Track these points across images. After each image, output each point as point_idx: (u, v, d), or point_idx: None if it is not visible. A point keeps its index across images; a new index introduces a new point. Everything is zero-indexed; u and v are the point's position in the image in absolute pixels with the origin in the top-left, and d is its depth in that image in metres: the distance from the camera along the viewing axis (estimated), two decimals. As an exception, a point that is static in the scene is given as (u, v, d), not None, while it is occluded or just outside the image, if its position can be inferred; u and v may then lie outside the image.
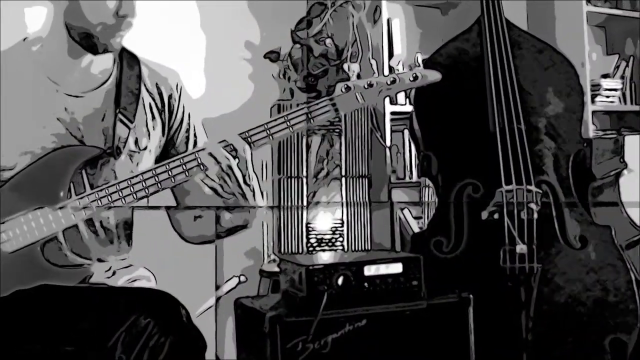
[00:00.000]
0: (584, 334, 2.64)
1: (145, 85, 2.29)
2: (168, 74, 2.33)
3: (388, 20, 3.43)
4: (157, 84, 2.30)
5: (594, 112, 3.85)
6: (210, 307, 2.59)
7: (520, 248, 2.59)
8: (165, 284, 2.24)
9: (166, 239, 2.41)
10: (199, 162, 2.12)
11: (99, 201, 2.13)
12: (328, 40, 3.15)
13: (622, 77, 3.99)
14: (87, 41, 2.14)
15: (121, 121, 2.21)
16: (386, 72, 3.34)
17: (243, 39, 2.85)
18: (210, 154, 2.10)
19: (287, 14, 2.94)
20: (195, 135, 2.34)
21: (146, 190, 2.14)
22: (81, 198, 2.13)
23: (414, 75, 2.17)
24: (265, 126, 2.12)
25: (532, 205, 2.63)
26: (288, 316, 2.23)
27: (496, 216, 2.65)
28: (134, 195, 2.13)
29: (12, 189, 2.13)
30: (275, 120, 2.13)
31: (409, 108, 3.15)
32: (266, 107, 2.86)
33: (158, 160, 2.30)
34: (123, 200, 2.13)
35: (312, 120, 2.17)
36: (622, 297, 2.64)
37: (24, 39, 2.23)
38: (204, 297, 2.58)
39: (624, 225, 2.90)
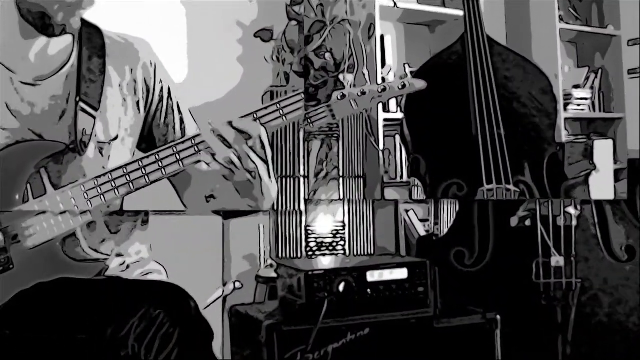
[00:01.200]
0: None
1: (111, 62, 2.04)
2: (138, 45, 2.09)
3: (382, 37, 3.54)
4: (126, 59, 2.05)
5: (566, 119, 3.97)
6: (218, 298, 2.51)
7: (556, 261, 2.32)
8: (175, 277, 2.19)
9: (177, 235, 2.39)
10: (197, 149, 1.93)
11: (60, 204, 1.99)
12: (327, 55, 3.18)
13: (592, 88, 4.14)
14: (41, 21, 1.89)
15: (83, 110, 1.99)
16: (379, 81, 3.40)
17: (231, 16, 2.46)
18: (220, 137, 1.90)
19: None
20: (180, 113, 2.14)
21: (130, 185, 1.97)
22: (39, 202, 1.97)
23: (402, 84, 2.17)
24: (255, 115, 1.95)
25: (571, 210, 2.34)
26: (286, 325, 2.12)
27: (528, 223, 2.41)
28: (116, 190, 1.98)
29: None
30: (267, 108, 1.98)
31: (400, 115, 3.25)
32: (257, 95, 2.59)
33: (140, 147, 2.14)
34: (116, 191, 1.97)
35: (312, 125, 2.12)
36: None
37: None
38: (212, 290, 2.49)
39: None
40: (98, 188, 1.96)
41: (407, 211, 3.00)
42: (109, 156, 2.07)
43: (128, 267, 2.23)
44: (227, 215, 2.50)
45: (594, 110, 4.14)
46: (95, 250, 2.14)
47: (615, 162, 3.22)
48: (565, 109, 3.98)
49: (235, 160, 1.92)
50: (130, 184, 1.95)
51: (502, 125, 2.79)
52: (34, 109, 1.97)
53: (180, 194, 2.21)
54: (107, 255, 2.16)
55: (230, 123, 1.92)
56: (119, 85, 2.05)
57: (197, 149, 1.94)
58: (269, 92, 2.73)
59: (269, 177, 1.99)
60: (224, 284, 2.52)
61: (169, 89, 2.14)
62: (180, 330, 1.98)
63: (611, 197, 2.92)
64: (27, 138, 1.96)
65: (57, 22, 1.88)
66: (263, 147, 1.94)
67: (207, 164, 1.94)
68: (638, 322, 2.30)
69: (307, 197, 2.98)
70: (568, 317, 2.31)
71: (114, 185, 1.96)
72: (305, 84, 2.85)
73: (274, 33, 2.66)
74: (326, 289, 2.17)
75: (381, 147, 3.39)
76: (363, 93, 2.17)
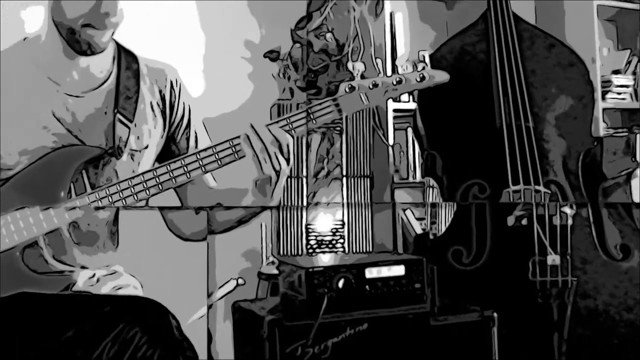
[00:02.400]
0: (627, 359, 2.47)
1: (144, 83, 2.33)
2: (167, 70, 2.39)
3: (391, 15, 3.45)
4: (156, 81, 2.35)
5: (604, 110, 3.82)
6: (202, 316, 2.54)
7: (552, 259, 2.45)
8: (153, 291, 2.24)
9: (154, 243, 2.43)
10: (234, 150, 2.20)
11: (99, 201, 2.16)
12: (328, 35, 3.15)
13: (634, 73, 3.95)
14: (72, 39, 2.18)
15: (120, 121, 2.25)
16: (389, 68, 3.36)
17: (243, 38, 2.88)
18: (257, 133, 2.17)
19: (287, 13, 2.98)
20: (195, 132, 2.41)
21: (147, 191, 2.20)
22: (81, 198, 2.17)
23: (421, 76, 2.18)
24: (288, 121, 2.21)
25: (567, 210, 2.50)
26: (287, 320, 2.22)
27: (524, 222, 2.53)
28: (135, 196, 2.18)
29: (12, 188, 2.15)
30: (277, 122, 2.21)
31: (412, 105, 3.18)
32: (266, 107, 2.90)
33: (159, 157, 2.37)
34: (123, 201, 2.17)
35: (314, 121, 2.21)
36: None
37: (24, 39, 2.28)
38: (196, 306, 2.53)
39: None
40: (132, 188, 2.18)
41: (404, 210, 3.13)
42: (139, 162, 2.30)
43: (98, 280, 2.26)
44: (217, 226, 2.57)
45: (637, 100, 3.95)
46: (61, 262, 2.20)
47: (663, 158, 3.10)
48: (603, 98, 3.83)
49: (266, 157, 2.17)
50: (173, 180, 2.22)
51: (531, 117, 2.74)
52: (77, 117, 2.23)
53: (182, 199, 2.41)
54: (72, 267, 2.21)
55: (267, 127, 2.19)
56: (150, 103, 2.33)
57: (234, 149, 2.20)
58: (276, 104, 2.99)
59: (278, 182, 2.23)
60: (209, 297, 2.65)
61: (189, 107, 2.42)
62: (160, 352, 1.99)
63: (656, 199, 2.95)
64: (71, 143, 2.21)
65: (82, 39, 2.18)
66: (288, 152, 2.20)
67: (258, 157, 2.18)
68: (633, 320, 2.45)
69: (306, 201, 3.08)
70: (564, 315, 2.42)
71: (145, 186, 2.19)
72: (302, 65, 3.07)
73: (280, 53, 2.98)
74: (326, 285, 2.27)
75: (391, 142, 3.33)
76: (375, 85, 2.18)
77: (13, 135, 2.17)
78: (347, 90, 2.18)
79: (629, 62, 3.96)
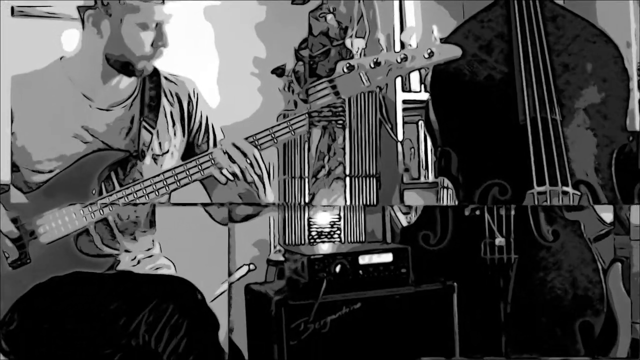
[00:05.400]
0: (557, 318, 2.89)
1: (165, 95, 2.70)
2: (186, 83, 2.75)
3: None
4: (176, 93, 2.71)
5: None
6: (223, 292, 2.90)
7: (499, 241, 2.88)
8: (183, 271, 2.74)
9: (185, 232, 2.86)
10: (214, 162, 2.51)
11: (125, 197, 2.53)
12: (330, 16, 3.05)
13: None
14: (125, 68, 2.57)
15: (145, 128, 2.62)
16: (398, 48, 3.24)
17: (252, 57, 3.19)
18: (227, 153, 2.51)
19: (290, 35, 3.21)
20: (214, 135, 2.76)
21: (167, 187, 2.55)
22: (110, 195, 2.55)
23: (430, 51, 2.13)
24: (254, 138, 2.52)
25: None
26: (292, 300, 2.65)
27: (477, 212, 2.91)
28: (156, 192, 2.54)
29: (50, 188, 2.55)
30: (279, 125, 2.50)
31: (424, 96, 3.09)
32: (273, 116, 3.12)
33: (183, 159, 2.72)
34: (147, 197, 2.54)
35: (309, 106, 2.32)
36: (590, 285, 2.89)
37: (61, 58, 2.64)
38: (218, 284, 2.93)
39: (593, 221, 3.07)
40: (153, 185, 2.53)
41: (391, 206, 3.27)
42: (161, 165, 2.65)
43: (139, 262, 2.67)
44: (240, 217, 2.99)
45: None
46: (108, 246, 2.59)
47: None
48: None
49: (238, 172, 2.50)
50: (178, 182, 2.56)
51: (558, 109, 2.76)
52: (106, 127, 2.59)
53: (210, 193, 2.75)
54: (117, 250, 2.62)
55: (233, 144, 2.51)
56: (170, 112, 2.68)
57: (214, 162, 2.52)
58: (282, 114, 3.11)
59: (264, 187, 2.56)
60: (230, 275, 3.00)
61: (207, 116, 2.76)
62: (189, 321, 2.43)
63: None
64: (101, 148, 2.58)
65: (138, 69, 2.59)
66: (258, 163, 2.51)
67: (215, 177, 2.55)
68: (559, 286, 2.88)
69: (305, 203, 3.08)
70: (508, 284, 2.87)
71: (165, 183, 2.54)
72: (305, 87, 3.09)
73: (285, 70, 3.16)
74: (325, 270, 2.69)
75: (400, 137, 3.17)
76: (377, 63, 2.14)
77: (50, 144, 2.56)
78: (345, 69, 2.15)
79: None
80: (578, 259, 2.91)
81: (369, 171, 3.11)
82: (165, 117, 2.70)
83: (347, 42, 3.08)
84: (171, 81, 2.75)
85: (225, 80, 3.16)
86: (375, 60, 2.13)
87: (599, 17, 3.30)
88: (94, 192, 2.56)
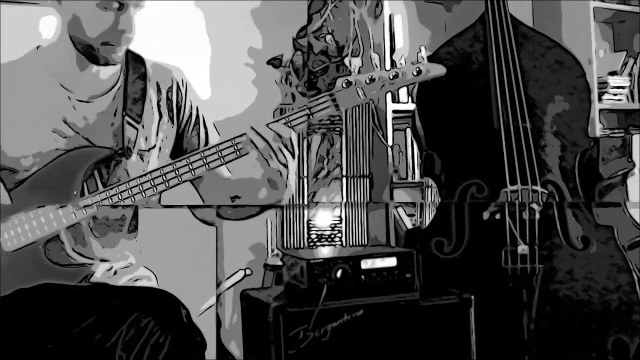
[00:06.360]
0: (587, 335, 2.66)
1: (151, 85, 2.43)
2: (173, 71, 2.48)
3: (390, 17, 3.42)
4: (162, 82, 2.45)
5: (601, 110, 3.81)
6: (211, 306, 2.70)
7: (522, 249, 2.63)
8: (166, 283, 2.42)
9: (168, 239, 2.61)
10: (236, 148, 2.29)
11: (109, 199, 2.28)
12: (328, 37, 3.16)
13: (630, 75, 3.93)
14: (88, 53, 2.31)
15: (128, 123, 2.36)
16: (388, 67, 3.35)
17: (247, 46, 2.95)
18: (258, 133, 2.27)
19: (288, 22, 3.03)
20: (205, 127, 2.50)
21: (155, 188, 2.31)
22: (93, 196, 2.28)
23: (417, 69, 2.21)
24: (287, 119, 2.29)
25: (534, 206, 2.65)
26: (290, 306, 2.42)
27: (498, 216, 2.68)
28: (143, 193, 2.30)
29: (28, 188, 2.27)
30: (278, 121, 2.29)
31: (411, 106, 3.19)
32: (269, 111, 2.97)
33: (172, 155, 2.46)
34: (132, 198, 2.28)
35: (311, 117, 2.24)
36: (624, 299, 2.67)
37: (37, 47, 2.38)
38: (205, 296, 2.70)
39: (627, 226, 2.90)
40: (140, 186, 2.29)
41: (396, 207, 3.19)
42: (148, 161, 2.40)
43: (115, 272, 2.39)
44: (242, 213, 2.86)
45: (633, 101, 3.94)
46: (81, 255, 2.32)
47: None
48: (599, 99, 3.82)
49: (271, 153, 2.26)
50: (179, 177, 2.32)
51: (528, 118, 2.76)
52: (88, 121, 2.34)
53: (196, 186, 2.50)
54: (92, 259, 2.34)
55: (267, 125, 2.28)
56: (157, 103, 2.43)
57: (235, 148, 2.29)
58: (279, 109, 3.03)
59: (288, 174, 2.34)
60: (218, 287, 2.79)
61: (197, 107, 2.51)
62: (172, 338, 2.16)
63: (652, 199, 3.02)
64: (82, 145, 2.32)
65: (101, 55, 2.30)
66: (292, 146, 2.28)
67: (241, 155, 2.29)
68: (589, 299, 2.66)
69: (306, 202, 3.10)
70: (532, 297, 2.62)
71: (152, 183, 2.30)
72: (303, 71, 3.08)
73: (282, 60, 3.03)
74: (325, 275, 2.47)
75: (390, 142, 3.33)
76: (372, 80, 2.22)
77: (27, 139, 2.28)
78: (344, 85, 2.20)
79: (625, 64, 3.93)
80: (611, 270, 2.69)
81: (363, 172, 3.19)
82: (152, 108, 2.42)
83: (346, 60, 3.13)
84: (157, 68, 2.47)
85: (216, 71, 2.84)
86: (370, 77, 2.18)
87: (564, 38, 3.46)
88: (75, 193, 2.27)
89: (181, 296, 2.30)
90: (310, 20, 3.12)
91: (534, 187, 2.70)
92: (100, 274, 2.34)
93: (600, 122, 3.82)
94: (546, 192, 2.72)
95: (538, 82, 2.82)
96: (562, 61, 2.86)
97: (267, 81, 2.98)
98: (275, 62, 3.01)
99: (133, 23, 2.27)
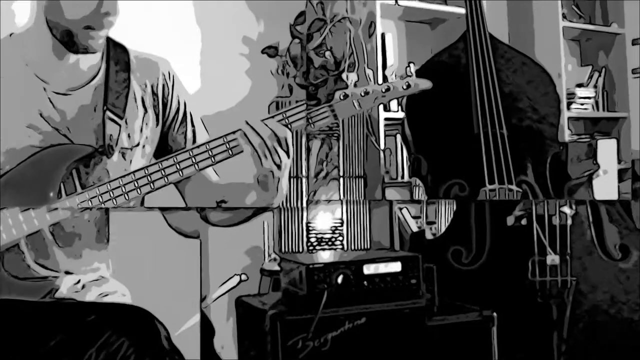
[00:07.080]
0: (626, 357, 2.40)
1: (135, 78, 2.25)
2: (160, 63, 2.31)
3: (382, 35, 3.55)
4: (148, 75, 2.28)
5: (569, 118, 3.96)
6: (194, 324, 2.47)
7: (552, 259, 2.39)
8: (142, 299, 2.14)
9: (144, 247, 2.36)
10: (228, 146, 2.13)
11: (89, 201, 2.06)
12: (327, 53, 3.21)
13: (595, 87, 4.13)
14: (68, 40, 2.11)
15: (110, 118, 2.16)
16: (381, 81, 3.43)
17: (240, 34, 2.72)
18: (253, 129, 2.11)
19: (285, 8, 2.85)
20: (193, 125, 2.32)
21: (139, 190, 2.11)
22: (69, 198, 2.07)
23: (407, 83, 2.25)
24: (284, 115, 2.19)
25: (566, 209, 2.42)
26: (288, 314, 2.27)
27: (524, 222, 2.48)
28: (126, 195, 2.10)
29: (1, 188, 2.04)
30: (273, 117, 2.20)
31: (401, 114, 3.28)
32: (264, 104, 2.80)
33: (156, 154, 2.30)
34: (114, 200, 2.07)
35: (312, 125, 2.23)
36: None
37: (10, 35, 2.20)
38: (188, 313, 2.44)
39: None
40: (123, 187, 2.09)
41: (400, 209, 3.10)
42: (131, 160, 2.22)
43: (83, 286, 2.17)
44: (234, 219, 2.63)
45: (598, 110, 4.14)
46: (43, 267, 2.08)
47: (619, 161, 3.26)
48: (568, 108, 3.99)
49: (265, 151, 2.09)
50: (165, 178, 2.11)
51: (505, 125, 2.82)
52: (65, 116, 2.14)
53: (181, 190, 2.32)
54: (56, 272, 2.10)
55: (263, 121, 2.12)
56: (142, 98, 2.24)
57: (228, 146, 2.13)
58: (275, 102, 2.91)
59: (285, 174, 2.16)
60: (202, 302, 2.54)
61: (184, 102, 2.33)
62: None
63: (615, 197, 3.01)
64: (60, 142, 2.12)
65: (80, 42, 2.09)
66: (287, 145, 2.12)
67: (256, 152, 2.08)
68: (628, 317, 2.38)
69: (307, 199, 3.07)
70: (563, 315, 2.38)
71: (136, 184, 2.11)
72: (305, 82, 3.05)
73: (278, 49, 2.88)
74: (326, 281, 2.31)
75: (382, 146, 3.41)
76: (366, 93, 2.23)
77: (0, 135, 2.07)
78: (342, 97, 2.22)
79: (590, 77, 4.14)
80: (653, 283, 2.36)
81: (358, 173, 3.24)
82: (136, 103, 2.25)
83: (344, 75, 3.17)
84: (142, 60, 2.29)
85: (206, 61, 2.63)
86: (365, 90, 2.22)
87: (537, 53, 3.73)
88: (52, 194, 2.07)
89: (159, 314, 2.03)
90: (311, 37, 3.16)
91: (510, 186, 2.70)
92: (65, 288, 2.13)
93: (569, 129, 3.96)
94: (520, 190, 2.74)
95: (514, 93, 2.89)
96: (534, 74, 2.94)
97: (262, 72, 2.76)
98: (270, 51, 2.83)
99: (117, 4, 2.09)
